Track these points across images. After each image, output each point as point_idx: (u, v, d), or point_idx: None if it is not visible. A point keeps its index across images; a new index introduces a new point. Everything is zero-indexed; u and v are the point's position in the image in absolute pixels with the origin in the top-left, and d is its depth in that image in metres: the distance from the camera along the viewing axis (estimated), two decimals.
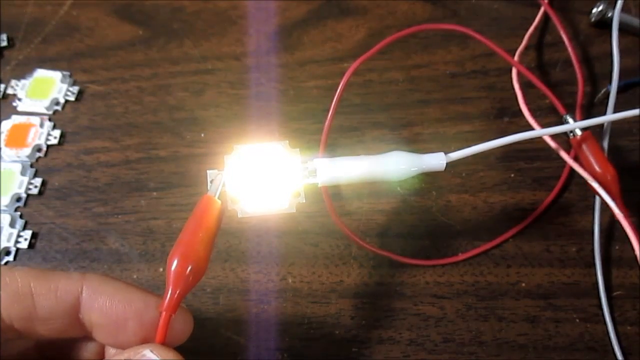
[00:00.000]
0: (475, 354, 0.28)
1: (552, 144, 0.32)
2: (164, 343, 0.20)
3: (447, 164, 0.24)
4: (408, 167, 0.24)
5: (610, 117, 0.31)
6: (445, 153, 0.24)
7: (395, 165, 0.24)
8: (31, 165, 0.35)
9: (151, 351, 0.19)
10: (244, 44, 0.38)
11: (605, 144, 0.32)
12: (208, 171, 0.23)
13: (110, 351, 0.22)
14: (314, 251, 0.31)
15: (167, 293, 0.20)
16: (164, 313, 0.20)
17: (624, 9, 0.34)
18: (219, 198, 0.22)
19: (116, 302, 0.20)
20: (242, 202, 0.23)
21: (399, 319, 0.29)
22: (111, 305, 0.20)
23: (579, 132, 0.30)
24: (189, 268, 0.20)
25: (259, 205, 0.23)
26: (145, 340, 0.20)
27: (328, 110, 0.33)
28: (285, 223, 0.32)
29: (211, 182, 0.22)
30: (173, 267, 0.20)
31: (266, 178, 0.23)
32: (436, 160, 0.24)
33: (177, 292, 0.20)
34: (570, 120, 0.31)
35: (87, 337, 0.21)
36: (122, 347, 0.21)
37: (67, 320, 0.20)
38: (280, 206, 0.23)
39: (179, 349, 0.20)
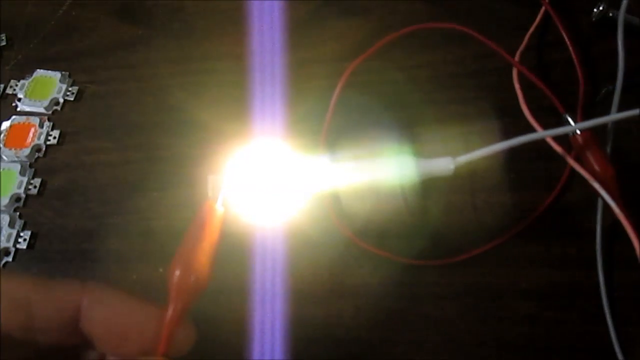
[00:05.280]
0: (476, 354, 0.28)
1: (553, 144, 0.32)
2: (166, 355, 0.19)
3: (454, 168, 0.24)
4: (415, 172, 0.24)
5: (611, 117, 0.31)
6: (452, 157, 0.24)
7: (401, 170, 0.24)
8: (30, 166, 0.35)
9: None
10: (244, 44, 0.38)
11: (609, 144, 0.31)
12: (209, 177, 0.22)
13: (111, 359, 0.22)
14: (314, 252, 0.31)
15: (170, 307, 0.19)
16: (166, 327, 0.19)
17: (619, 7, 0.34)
18: (220, 204, 0.22)
19: (117, 312, 0.20)
20: (244, 207, 0.22)
21: (399, 319, 0.29)
22: (112, 317, 0.20)
23: (579, 132, 0.30)
24: (192, 279, 0.20)
25: (261, 209, 0.23)
26: (148, 351, 0.20)
27: (328, 111, 0.33)
28: (287, 225, 0.32)
29: (212, 188, 0.22)
30: (176, 280, 0.20)
31: (268, 182, 0.23)
32: (444, 165, 0.24)
33: (181, 305, 0.19)
34: (570, 119, 0.31)
35: (88, 346, 0.21)
36: (124, 357, 0.21)
37: (66, 330, 0.20)
38: (284, 210, 0.23)
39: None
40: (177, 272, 0.20)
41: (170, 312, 0.19)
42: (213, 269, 0.21)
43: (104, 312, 0.20)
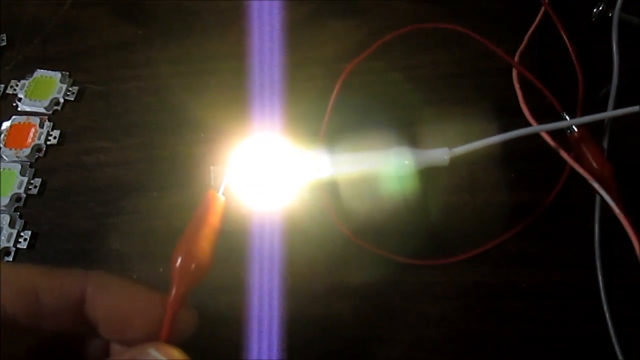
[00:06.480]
0: (476, 354, 0.28)
1: (552, 143, 0.32)
2: (169, 340, 0.20)
3: (450, 159, 0.24)
4: (412, 161, 0.24)
5: (610, 113, 0.31)
6: (448, 148, 0.24)
7: (399, 160, 0.24)
8: (31, 165, 0.35)
9: (155, 350, 0.19)
10: (244, 44, 0.38)
11: (605, 141, 0.32)
12: (212, 167, 0.23)
13: (115, 347, 0.22)
14: (314, 251, 0.31)
15: (172, 290, 0.20)
16: (168, 310, 0.20)
17: (624, 8, 0.34)
18: (222, 193, 0.22)
19: (121, 298, 0.20)
20: (246, 198, 0.23)
21: (399, 319, 0.29)
22: (116, 302, 0.20)
23: (576, 129, 0.30)
24: (194, 265, 0.20)
25: (262, 200, 0.23)
26: (151, 337, 0.20)
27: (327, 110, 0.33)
28: (286, 223, 0.32)
29: (214, 178, 0.23)
30: (177, 264, 0.20)
31: (269, 174, 0.23)
32: (440, 155, 0.24)
33: (182, 289, 0.20)
34: (567, 117, 0.31)
35: (93, 333, 0.21)
36: (128, 343, 0.21)
37: (72, 317, 0.20)
38: (284, 200, 0.23)
39: (182, 348, 0.20)
40: (179, 259, 0.20)
41: (172, 294, 0.20)
42: (214, 256, 0.21)
43: (107, 297, 0.20)
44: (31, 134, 0.36)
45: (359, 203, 0.32)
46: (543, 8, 0.36)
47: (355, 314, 0.29)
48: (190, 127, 0.35)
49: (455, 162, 0.28)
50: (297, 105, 0.35)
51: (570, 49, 0.34)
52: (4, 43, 0.40)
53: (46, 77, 0.38)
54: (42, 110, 0.37)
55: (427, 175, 0.31)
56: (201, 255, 0.21)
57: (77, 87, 0.38)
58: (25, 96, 0.37)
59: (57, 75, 0.38)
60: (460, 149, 0.25)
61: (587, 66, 0.35)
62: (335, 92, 0.33)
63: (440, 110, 0.35)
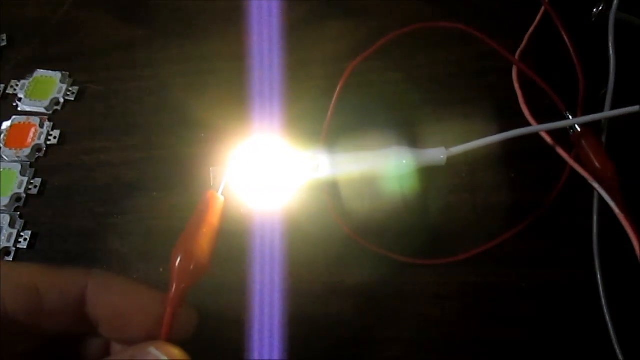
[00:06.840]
0: (475, 354, 0.28)
1: (553, 143, 0.32)
2: (169, 338, 0.20)
3: (447, 158, 0.24)
4: (409, 161, 0.24)
5: (610, 113, 0.31)
6: (445, 148, 0.24)
7: (396, 160, 0.24)
8: (31, 165, 0.35)
9: (155, 349, 0.19)
10: (243, 44, 0.38)
11: (602, 140, 0.32)
12: (211, 168, 0.23)
13: (115, 347, 0.22)
14: (314, 251, 0.31)
15: (172, 289, 0.20)
16: (168, 308, 0.20)
17: (626, 9, 0.34)
18: (221, 193, 0.22)
19: (121, 297, 0.21)
20: (246, 198, 0.23)
21: (399, 319, 0.29)
22: (116, 300, 0.21)
23: (579, 129, 0.30)
24: (193, 264, 0.21)
25: (261, 200, 0.23)
26: (151, 336, 0.20)
27: (328, 110, 0.33)
28: (286, 223, 0.32)
29: (214, 178, 0.23)
30: (177, 263, 0.21)
31: (268, 174, 0.23)
32: (437, 155, 0.24)
33: (181, 287, 0.20)
34: (570, 117, 0.31)
35: (93, 332, 0.21)
36: (128, 342, 0.21)
37: (72, 315, 0.20)
38: (283, 200, 0.23)
39: (183, 348, 0.20)
40: (179, 258, 0.21)
41: (172, 292, 0.20)
42: (213, 254, 0.22)
43: (108, 296, 0.21)
44: (31, 134, 0.36)
45: (359, 203, 0.32)
46: (543, 8, 0.36)
47: (355, 313, 0.29)
48: (190, 127, 0.35)
49: (455, 161, 0.28)
50: (296, 105, 0.35)
51: (571, 49, 0.34)
52: (4, 43, 0.40)
53: (46, 77, 0.38)
54: (42, 110, 0.37)
55: (427, 175, 0.31)
56: (200, 254, 0.21)
57: (77, 87, 0.38)
58: (26, 96, 0.37)
59: (57, 75, 0.38)
60: (457, 149, 0.25)
61: (587, 66, 0.35)
62: (337, 92, 0.33)
63: (440, 111, 0.35)
